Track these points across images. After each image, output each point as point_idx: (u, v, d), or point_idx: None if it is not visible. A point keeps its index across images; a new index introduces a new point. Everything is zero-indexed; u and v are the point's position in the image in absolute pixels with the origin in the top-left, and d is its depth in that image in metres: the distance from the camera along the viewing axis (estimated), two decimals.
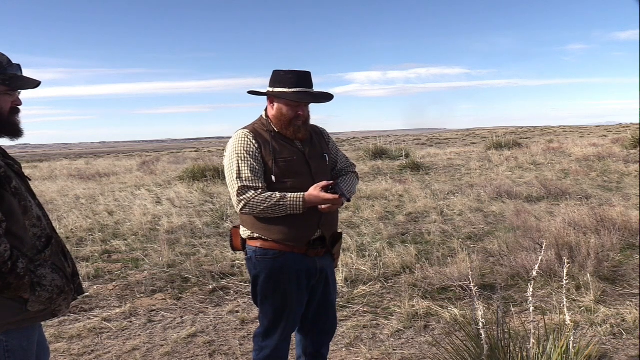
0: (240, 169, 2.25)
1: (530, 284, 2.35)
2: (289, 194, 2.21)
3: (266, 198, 2.20)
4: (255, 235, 2.34)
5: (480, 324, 2.42)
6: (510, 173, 11.68)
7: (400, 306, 3.96)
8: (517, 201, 8.00)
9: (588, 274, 4.14)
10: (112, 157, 35.47)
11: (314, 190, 2.21)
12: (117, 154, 46.90)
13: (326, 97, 2.42)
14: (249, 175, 2.23)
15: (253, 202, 2.21)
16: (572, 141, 22.41)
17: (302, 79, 2.30)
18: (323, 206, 2.23)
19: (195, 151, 38.06)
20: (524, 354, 2.42)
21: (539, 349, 2.45)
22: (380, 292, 4.37)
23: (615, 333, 3.38)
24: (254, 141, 2.28)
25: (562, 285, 2.48)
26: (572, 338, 2.46)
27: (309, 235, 2.31)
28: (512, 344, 2.51)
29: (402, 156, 15.51)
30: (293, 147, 2.33)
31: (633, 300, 3.89)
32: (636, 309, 3.66)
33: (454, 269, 4.45)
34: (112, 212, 8.60)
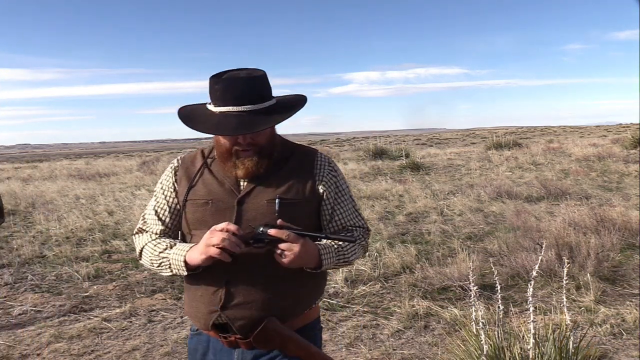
0: (148, 206, 1.73)
1: (530, 284, 2.35)
2: (180, 244, 1.57)
3: (154, 246, 1.60)
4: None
5: (480, 324, 2.42)
6: (510, 173, 11.68)
7: (400, 306, 3.96)
8: (517, 201, 8.00)
9: (588, 274, 4.14)
10: (112, 157, 35.49)
11: (210, 231, 1.46)
12: (117, 154, 46.91)
13: (278, 112, 1.55)
14: (151, 215, 1.68)
15: (145, 250, 1.63)
16: (572, 141, 22.42)
17: (231, 91, 1.49)
18: (205, 254, 1.44)
19: None
20: (524, 354, 2.42)
21: (539, 349, 2.45)
22: (380, 292, 4.37)
23: (615, 333, 3.38)
24: (173, 173, 1.69)
25: (562, 285, 2.48)
26: (572, 338, 2.46)
27: (207, 315, 1.55)
28: (512, 344, 2.51)
29: (402, 156, 15.52)
30: (223, 185, 1.60)
31: (633, 300, 3.89)
32: (636, 309, 3.66)
33: (454, 269, 4.45)
34: (112, 212, 8.60)
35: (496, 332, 2.52)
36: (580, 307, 3.79)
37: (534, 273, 2.39)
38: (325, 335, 3.57)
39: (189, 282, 1.60)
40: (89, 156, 43.09)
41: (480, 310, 2.48)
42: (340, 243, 1.57)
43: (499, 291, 2.47)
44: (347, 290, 4.39)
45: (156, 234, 1.66)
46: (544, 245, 2.99)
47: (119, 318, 4.03)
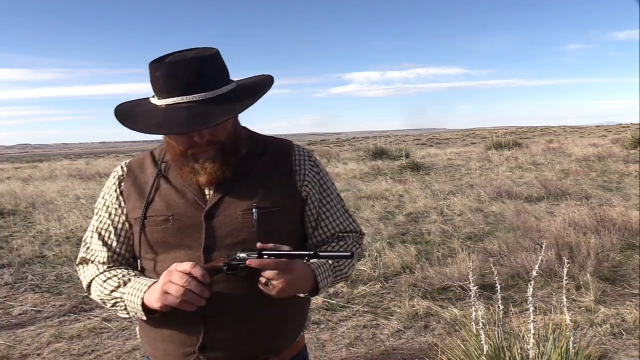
0: (89, 228, 1.40)
1: (530, 284, 2.35)
2: (136, 280, 1.25)
3: (104, 282, 1.29)
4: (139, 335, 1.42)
5: (480, 324, 2.42)
6: (510, 173, 11.68)
7: (400, 306, 3.96)
8: (517, 201, 8.00)
9: (588, 274, 4.14)
10: (112, 157, 35.48)
11: (168, 272, 1.14)
12: (117, 154, 46.92)
13: (239, 99, 1.22)
14: (94, 240, 1.36)
15: (93, 287, 1.32)
16: (572, 141, 22.42)
17: (176, 77, 1.17)
18: (162, 302, 1.14)
19: None
20: (524, 354, 2.42)
21: (539, 349, 2.45)
22: (380, 292, 4.37)
23: (615, 333, 3.38)
24: (117, 184, 1.36)
25: (562, 285, 2.48)
26: (572, 338, 2.46)
27: (180, 359, 1.28)
28: (512, 344, 2.51)
29: (402, 156, 15.52)
30: (184, 196, 1.28)
31: (633, 300, 3.89)
32: (636, 309, 3.66)
33: (454, 269, 4.45)
34: None
35: (496, 332, 2.52)
36: (580, 307, 3.79)
37: (534, 273, 2.39)
38: (325, 335, 3.58)
39: (164, 318, 1.23)
40: (89, 156, 43.11)
41: (480, 310, 2.48)
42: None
43: (499, 291, 2.47)
44: (347, 290, 4.39)
45: (103, 263, 1.33)
46: (544, 245, 2.99)
47: (119, 318, 4.03)
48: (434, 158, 16.45)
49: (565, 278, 2.45)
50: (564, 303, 2.50)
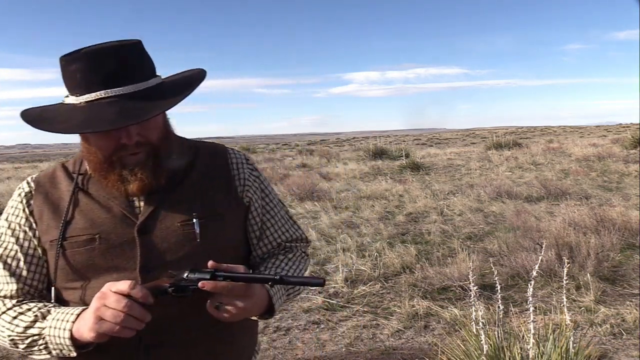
0: None
1: (530, 284, 2.35)
2: (57, 310, 1.05)
3: (14, 319, 1.07)
4: None
5: (480, 324, 2.42)
6: (510, 173, 11.68)
7: (400, 306, 3.96)
8: (517, 201, 8.00)
9: (588, 274, 4.14)
10: None
11: (101, 295, 0.97)
12: None
13: (171, 92, 1.09)
14: None
15: None
16: (572, 141, 22.42)
17: (98, 69, 1.02)
18: (96, 331, 0.96)
19: None
20: (524, 354, 2.42)
21: (539, 349, 2.45)
22: (380, 292, 4.37)
23: (615, 333, 3.38)
24: (25, 203, 1.16)
25: (562, 285, 2.48)
26: (572, 338, 2.46)
27: None
28: (512, 344, 2.51)
29: (402, 156, 15.52)
30: (110, 211, 1.12)
31: (633, 300, 3.89)
32: (636, 309, 3.66)
33: (454, 269, 4.45)
34: None
35: (496, 332, 2.52)
36: (580, 307, 3.79)
37: (534, 273, 2.39)
38: (325, 335, 3.58)
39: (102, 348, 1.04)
40: None
41: (480, 310, 2.48)
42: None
43: (499, 291, 2.47)
44: (347, 290, 4.39)
45: (11, 297, 1.11)
46: (544, 245, 2.99)
47: None
48: (434, 158, 16.45)
49: (565, 278, 2.45)
50: (564, 303, 2.50)
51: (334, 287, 4.46)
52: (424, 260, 5.03)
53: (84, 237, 1.10)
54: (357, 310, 3.99)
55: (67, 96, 1.09)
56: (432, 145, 30.77)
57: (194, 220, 1.11)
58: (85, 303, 1.06)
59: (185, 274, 1.02)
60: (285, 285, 1.17)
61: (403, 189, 9.65)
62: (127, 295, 0.95)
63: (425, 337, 3.49)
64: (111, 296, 0.95)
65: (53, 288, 1.13)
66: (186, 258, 1.09)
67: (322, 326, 3.75)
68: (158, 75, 1.13)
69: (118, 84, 1.03)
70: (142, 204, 1.13)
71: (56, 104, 1.12)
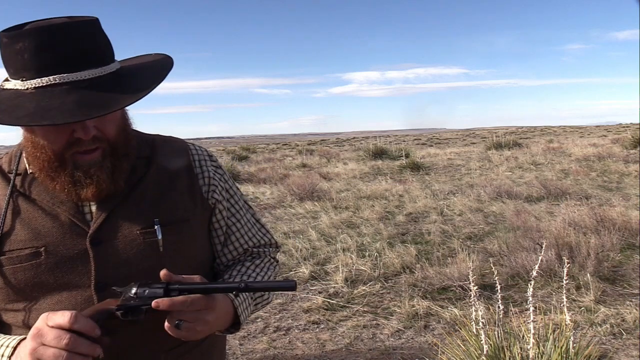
0: None
1: (530, 284, 2.35)
2: None
3: None
4: None
5: (480, 324, 2.42)
6: (510, 173, 11.68)
7: (400, 306, 3.96)
8: (517, 201, 8.00)
9: (588, 274, 4.14)
10: None
11: (36, 331, 0.81)
12: None
13: (137, 80, 0.94)
14: None
15: None
16: (572, 141, 22.42)
17: (51, 48, 0.86)
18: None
19: None
20: (524, 354, 2.42)
21: (539, 349, 2.45)
22: (380, 292, 4.37)
23: (615, 333, 3.38)
24: None
25: (562, 285, 2.48)
26: (572, 338, 2.46)
27: None
28: (512, 344, 2.51)
29: (402, 156, 15.52)
30: (57, 219, 0.96)
31: (633, 300, 3.89)
32: (636, 309, 3.66)
33: (454, 269, 4.45)
34: None
35: (496, 332, 2.52)
36: (580, 307, 3.79)
37: (534, 273, 2.39)
38: (325, 335, 3.58)
39: None
40: None
41: (480, 310, 2.48)
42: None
43: (499, 291, 2.47)
44: (347, 290, 4.39)
45: None
46: (544, 245, 2.99)
47: None
48: (434, 158, 16.45)
49: (565, 278, 2.45)
50: (564, 303, 2.50)
51: (334, 287, 4.46)
52: (424, 260, 5.03)
53: (27, 251, 0.93)
54: (357, 310, 4.00)
55: (6, 79, 0.91)
56: (432, 145, 30.77)
57: (156, 226, 0.96)
58: (29, 327, 0.87)
59: (134, 291, 0.86)
60: (252, 294, 1.05)
61: (403, 189, 9.65)
62: (68, 330, 0.78)
63: (425, 337, 3.49)
64: (49, 333, 0.78)
65: None
66: (148, 271, 0.92)
67: (322, 326, 3.75)
68: (115, 61, 0.97)
69: (74, 68, 0.87)
70: (93, 209, 0.97)
71: None
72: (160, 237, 0.96)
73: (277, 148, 34.85)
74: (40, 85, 0.87)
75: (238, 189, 1.17)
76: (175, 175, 1.05)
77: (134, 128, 1.04)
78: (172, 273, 0.88)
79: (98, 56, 0.90)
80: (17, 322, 0.95)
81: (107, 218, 0.96)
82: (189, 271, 0.92)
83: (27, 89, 0.88)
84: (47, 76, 0.86)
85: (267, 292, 1.10)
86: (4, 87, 0.91)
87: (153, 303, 0.84)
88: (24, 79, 0.88)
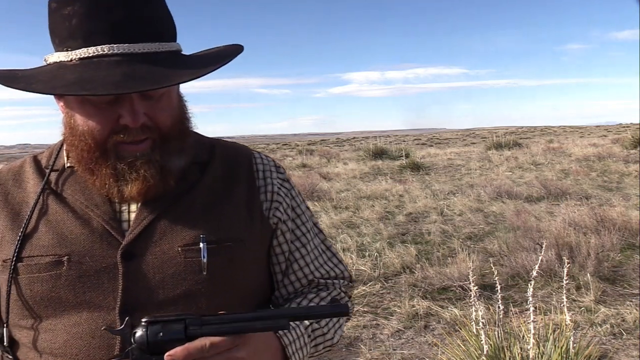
0: None
1: (530, 284, 2.35)
2: None
3: None
4: None
5: (480, 324, 2.42)
6: (510, 173, 11.68)
7: (400, 306, 3.96)
8: (517, 201, 8.00)
9: (588, 274, 4.14)
10: None
11: None
12: None
13: (198, 63, 0.82)
14: None
15: None
16: (572, 141, 22.42)
17: (103, 14, 0.74)
18: None
19: None
20: (524, 354, 2.42)
21: (539, 349, 2.45)
22: (380, 292, 4.37)
23: (615, 333, 3.38)
24: None
25: (562, 285, 2.48)
26: (572, 338, 2.46)
27: None
28: (512, 344, 2.51)
29: (402, 156, 15.51)
30: (88, 224, 0.82)
31: (633, 300, 3.89)
32: (636, 309, 3.66)
33: (454, 269, 4.45)
34: None
35: (496, 332, 2.52)
36: (580, 307, 3.79)
37: (534, 273, 2.39)
38: None
39: None
40: None
41: (480, 310, 2.48)
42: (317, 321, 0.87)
43: (499, 291, 2.47)
44: None
45: None
46: (544, 245, 3.00)
47: None
48: (434, 158, 16.44)
49: (565, 278, 2.45)
50: (564, 303, 2.50)
51: None
52: (424, 260, 5.02)
53: (48, 259, 0.78)
54: (357, 310, 3.99)
55: (52, 55, 0.79)
56: (432, 145, 30.76)
57: (201, 244, 0.79)
58: (37, 350, 0.78)
59: (139, 333, 0.67)
60: (311, 331, 0.86)
61: (403, 189, 9.64)
62: None
63: (425, 337, 3.49)
64: None
65: (5, 327, 0.82)
66: (185, 297, 0.78)
67: None
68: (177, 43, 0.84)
69: (128, 39, 0.74)
70: (132, 217, 0.82)
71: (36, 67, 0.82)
72: (204, 257, 0.79)
73: (277, 148, 34.85)
74: (87, 55, 0.74)
75: (308, 208, 0.99)
76: (232, 186, 0.88)
77: (194, 130, 0.90)
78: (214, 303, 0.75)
79: (157, 30, 0.77)
80: (26, 342, 0.81)
81: (146, 228, 0.81)
82: (237, 303, 0.78)
83: (71, 60, 0.75)
84: (94, 46, 0.74)
85: (330, 332, 0.91)
86: (49, 61, 0.79)
87: (166, 356, 0.67)
88: (69, 49, 0.75)
